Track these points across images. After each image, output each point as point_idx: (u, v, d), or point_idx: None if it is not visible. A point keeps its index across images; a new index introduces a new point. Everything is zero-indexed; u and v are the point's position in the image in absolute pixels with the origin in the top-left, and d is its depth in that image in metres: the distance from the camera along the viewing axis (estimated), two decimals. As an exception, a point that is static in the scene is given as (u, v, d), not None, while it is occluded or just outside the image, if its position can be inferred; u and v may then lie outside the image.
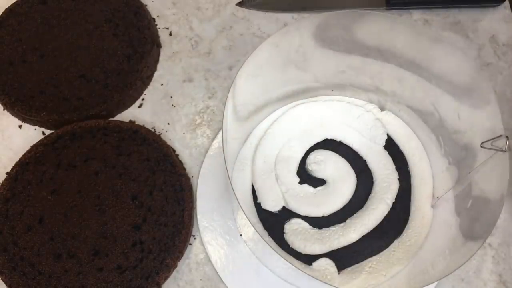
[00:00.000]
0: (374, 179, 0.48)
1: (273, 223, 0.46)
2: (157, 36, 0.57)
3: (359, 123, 0.50)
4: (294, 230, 0.45)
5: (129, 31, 0.54)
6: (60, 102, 0.51)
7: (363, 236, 0.45)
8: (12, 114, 0.53)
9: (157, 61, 0.56)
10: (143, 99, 0.54)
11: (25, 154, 0.48)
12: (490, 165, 0.38)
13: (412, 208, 0.46)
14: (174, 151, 0.50)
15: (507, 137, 0.36)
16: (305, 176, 0.48)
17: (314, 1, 0.59)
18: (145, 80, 0.54)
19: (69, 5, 0.56)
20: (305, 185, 0.47)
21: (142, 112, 0.53)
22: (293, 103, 0.51)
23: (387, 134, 0.50)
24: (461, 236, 0.41)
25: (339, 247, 0.44)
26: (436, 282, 0.43)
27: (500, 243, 0.46)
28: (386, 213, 0.46)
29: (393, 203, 0.46)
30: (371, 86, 0.50)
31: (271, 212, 0.46)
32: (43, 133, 0.52)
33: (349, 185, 0.47)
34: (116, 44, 0.54)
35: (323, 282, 0.38)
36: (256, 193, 0.47)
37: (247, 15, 0.58)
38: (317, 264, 0.43)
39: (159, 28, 0.58)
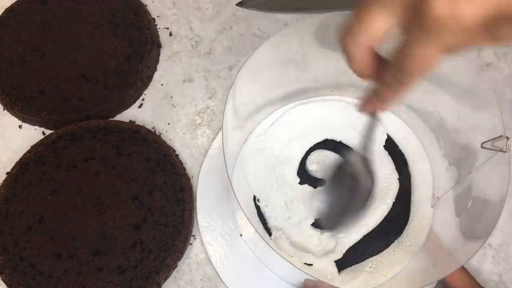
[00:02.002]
0: (374, 178, 0.48)
1: (273, 223, 0.46)
2: (157, 36, 0.57)
3: (359, 123, 0.50)
4: (294, 230, 0.45)
5: (129, 31, 0.54)
6: (60, 102, 0.51)
7: (363, 236, 0.45)
8: (12, 114, 0.53)
9: (157, 61, 0.56)
10: (143, 99, 0.54)
11: (25, 154, 0.48)
12: (491, 166, 0.38)
13: (412, 208, 0.46)
14: (174, 151, 0.50)
15: (507, 137, 0.36)
16: (305, 176, 0.48)
17: (314, 1, 0.59)
18: (145, 80, 0.54)
19: (69, 5, 0.56)
20: (305, 185, 0.47)
21: (142, 112, 0.53)
22: (293, 103, 0.51)
23: (387, 134, 0.50)
24: (461, 236, 0.41)
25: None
26: (435, 282, 0.43)
27: (500, 243, 0.46)
28: (386, 213, 0.46)
29: (393, 203, 0.46)
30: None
31: (271, 212, 0.46)
32: (43, 133, 0.52)
33: (349, 185, 0.47)
34: (116, 44, 0.53)
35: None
36: (256, 193, 0.47)
37: (247, 15, 0.58)
38: (317, 264, 0.43)
39: (159, 28, 0.58)
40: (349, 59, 0.27)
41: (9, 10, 0.56)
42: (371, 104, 0.29)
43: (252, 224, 0.34)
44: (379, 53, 0.27)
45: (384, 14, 0.23)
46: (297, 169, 0.48)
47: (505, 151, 0.36)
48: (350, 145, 0.49)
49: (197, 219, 0.46)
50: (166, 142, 0.49)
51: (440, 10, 0.20)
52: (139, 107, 0.53)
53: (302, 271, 0.34)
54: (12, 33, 0.55)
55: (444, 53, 0.23)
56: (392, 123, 0.50)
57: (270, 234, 0.45)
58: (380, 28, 0.24)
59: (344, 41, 0.26)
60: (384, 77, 0.27)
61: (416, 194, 0.47)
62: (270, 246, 0.34)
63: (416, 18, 0.21)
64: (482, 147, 0.38)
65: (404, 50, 0.24)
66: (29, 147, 0.49)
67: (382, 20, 0.23)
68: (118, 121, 0.50)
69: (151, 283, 0.42)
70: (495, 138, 0.37)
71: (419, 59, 0.23)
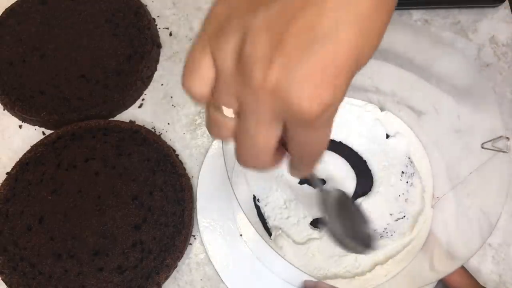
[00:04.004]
0: (374, 179, 0.48)
1: (273, 223, 0.46)
2: (157, 36, 0.57)
3: (359, 123, 0.50)
4: (294, 230, 0.45)
5: (129, 31, 0.54)
6: (60, 102, 0.51)
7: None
8: (12, 114, 0.53)
9: (157, 61, 0.56)
10: (143, 99, 0.54)
11: (25, 154, 0.48)
12: (491, 166, 0.38)
13: (412, 208, 0.46)
14: (174, 151, 0.50)
15: (507, 138, 0.36)
16: (305, 176, 0.48)
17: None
18: (145, 80, 0.54)
19: (69, 5, 0.56)
20: (305, 185, 0.47)
21: (142, 112, 0.53)
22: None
23: (387, 134, 0.50)
24: (461, 236, 0.41)
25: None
26: (435, 282, 0.43)
27: (500, 243, 0.46)
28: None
29: (393, 203, 0.46)
30: (371, 86, 0.50)
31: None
32: (43, 133, 0.52)
33: (349, 185, 0.47)
34: (116, 44, 0.53)
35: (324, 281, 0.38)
36: (256, 193, 0.47)
37: (247, 15, 0.58)
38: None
39: (159, 28, 0.58)
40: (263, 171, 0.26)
41: (9, 10, 0.56)
42: (299, 173, 0.29)
43: (252, 224, 0.34)
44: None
45: (271, 130, 0.22)
46: (297, 169, 0.48)
47: (506, 152, 0.36)
48: (350, 145, 0.49)
49: (197, 219, 0.46)
50: (166, 142, 0.49)
51: (313, 111, 0.20)
52: (139, 107, 0.53)
53: (301, 271, 0.34)
54: (12, 33, 0.55)
55: (331, 128, 0.23)
56: (392, 123, 0.50)
57: (270, 234, 0.45)
58: (274, 142, 0.23)
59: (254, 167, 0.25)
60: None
61: (416, 194, 0.47)
62: (270, 246, 0.34)
63: (297, 123, 0.21)
64: (482, 147, 0.38)
65: (298, 146, 0.23)
66: (29, 147, 0.49)
67: (271, 135, 0.22)
68: (118, 121, 0.50)
69: (151, 283, 0.42)
70: (495, 139, 0.37)
71: (315, 146, 0.23)
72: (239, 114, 0.22)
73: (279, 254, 0.34)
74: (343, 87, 0.20)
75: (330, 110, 0.20)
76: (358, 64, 0.21)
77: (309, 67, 0.19)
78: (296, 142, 0.23)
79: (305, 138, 0.22)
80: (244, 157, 0.24)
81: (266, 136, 0.22)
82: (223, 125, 0.23)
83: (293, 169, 0.27)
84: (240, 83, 0.21)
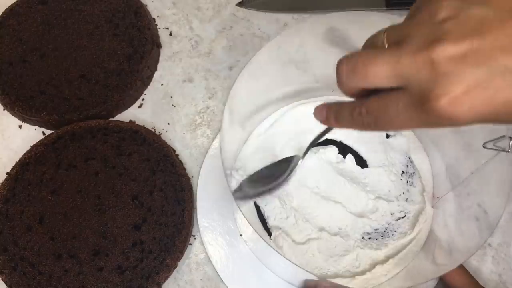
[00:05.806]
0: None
1: (273, 223, 0.45)
2: (157, 36, 0.57)
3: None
4: (294, 230, 0.45)
5: (129, 31, 0.54)
6: (60, 102, 0.51)
7: (364, 236, 0.45)
8: (12, 114, 0.53)
9: (157, 61, 0.56)
10: (143, 99, 0.54)
11: (25, 154, 0.48)
12: (492, 166, 0.38)
13: (412, 208, 0.46)
14: (174, 151, 0.50)
15: (510, 137, 0.36)
16: (305, 176, 0.48)
17: (314, 2, 0.59)
18: (145, 80, 0.54)
19: (69, 5, 0.56)
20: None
21: (142, 112, 0.53)
22: (294, 103, 0.51)
23: (387, 134, 0.50)
24: (461, 236, 0.41)
25: (339, 247, 0.44)
26: (436, 282, 0.43)
27: (500, 243, 0.46)
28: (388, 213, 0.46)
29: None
30: (371, 86, 0.49)
31: (271, 212, 0.46)
32: (43, 133, 0.52)
33: (349, 185, 0.47)
34: (116, 44, 0.53)
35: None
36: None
37: (247, 15, 0.58)
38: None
39: (159, 28, 0.58)
40: (342, 88, 0.27)
41: (9, 10, 0.56)
42: (327, 119, 0.29)
43: (251, 225, 0.34)
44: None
45: (390, 68, 0.23)
46: (297, 169, 0.48)
47: (508, 151, 0.36)
48: (350, 145, 0.49)
49: (197, 219, 0.46)
50: (166, 142, 0.49)
51: (440, 108, 0.21)
52: (139, 107, 0.53)
53: (303, 269, 0.34)
54: (12, 33, 0.55)
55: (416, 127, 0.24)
56: (392, 123, 0.50)
57: (270, 234, 0.45)
58: (381, 80, 0.24)
59: (344, 80, 0.26)
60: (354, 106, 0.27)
61: (416, 194, 0.47)
62: (270, 246, 0.34)
63: (414, 100, 0.22)
64: (484, 147, 0.38)
65: (387, 106, 0.24)
66: (29, 147, 0.49)
67: (385, 73, 0.23)
68: (118, 121, 0.50)
69: (151, 283, 0.42)
70: (497, 138, 0.37)
71: (395, 122, 0.24)
72: (391, 43, 0.24)
73: (280, 253, 0.34)
74: (475, 118, 0.21)
75: (443, 121, 0.22)
76: (496, 116, 0.22)
77: (469, 80, 0.21)
78: (391, 105, 0.24)
79: (399, 113, 0.23)
80: (352, 67, 0.25)
81: (387, 68, 0.23)
82: (374, 41, 0.25)
83: (338, 114, 0.28)
84: (422, 35, 0.22)
